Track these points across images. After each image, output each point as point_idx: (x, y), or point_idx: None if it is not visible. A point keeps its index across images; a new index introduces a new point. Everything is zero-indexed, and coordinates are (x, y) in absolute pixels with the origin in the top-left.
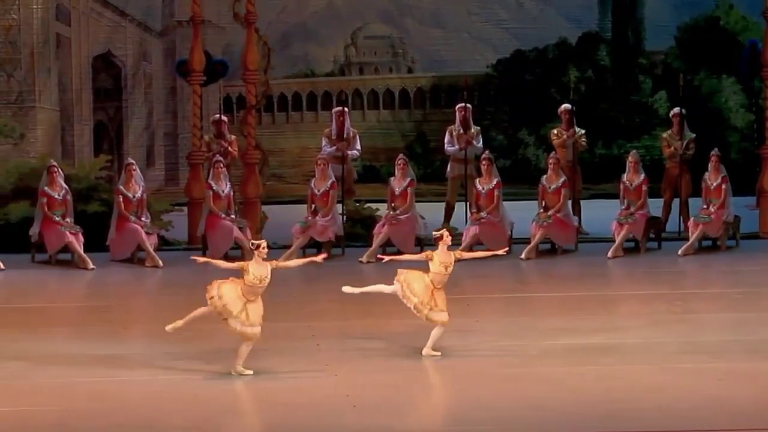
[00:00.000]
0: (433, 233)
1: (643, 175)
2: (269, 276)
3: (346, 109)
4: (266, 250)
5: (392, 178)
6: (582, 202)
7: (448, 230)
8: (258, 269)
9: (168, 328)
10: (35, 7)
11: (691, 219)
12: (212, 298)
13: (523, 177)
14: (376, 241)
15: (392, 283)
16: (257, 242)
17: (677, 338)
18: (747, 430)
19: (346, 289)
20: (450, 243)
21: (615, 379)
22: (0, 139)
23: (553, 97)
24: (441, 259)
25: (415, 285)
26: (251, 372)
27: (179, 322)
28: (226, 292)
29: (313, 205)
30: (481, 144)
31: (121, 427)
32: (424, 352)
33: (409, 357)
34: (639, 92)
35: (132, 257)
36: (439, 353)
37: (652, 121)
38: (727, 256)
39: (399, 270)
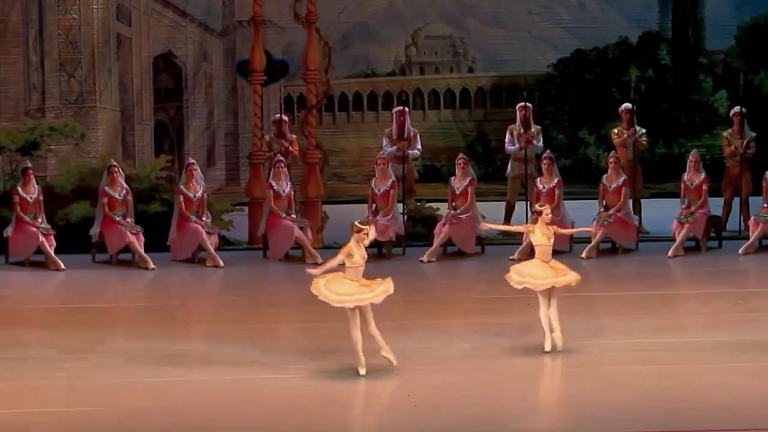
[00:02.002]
0: (537, 206)
1: (703, 174)
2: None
3: (406, 108)
4: (368, 234)
5: (453, 178)
6: (642, 201)
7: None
8: (361, 251)
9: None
10: (96, 7)
11: (752, 218)
12: (325, 296)
13: (584, 176)
14: (437, 241)
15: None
16: (361, 226)
17: (738, 337)
18: None
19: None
20: (549, 219)
21: (676, 378)
22: (61, 139)
23: (614, 96)
24: (542, 230)
25: (532, 271)
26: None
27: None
28: (335, 288)
29: (374, 205)
30: (541, 143)
31: (181, 427)
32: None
33: (468, 357)
34: (699, 91)
35: (193, 257)
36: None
37: (713, 120)
38: None
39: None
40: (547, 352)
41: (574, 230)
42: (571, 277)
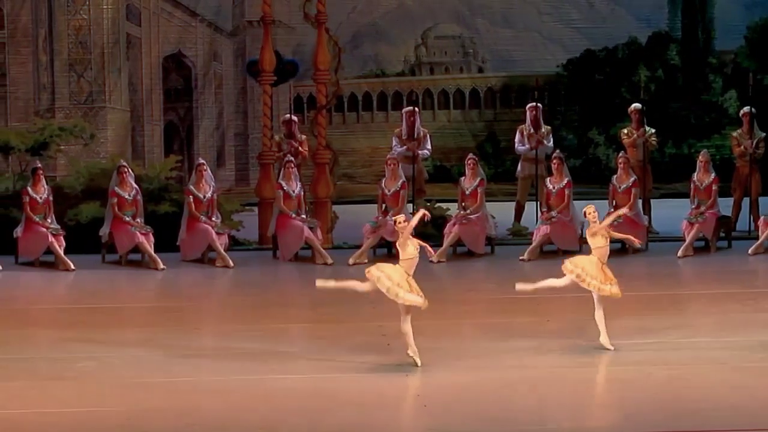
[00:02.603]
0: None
1: (713, 175)
2: (415, 251)
3: (416, 108)
4: (403, 224)
5: (463, 178)
6: (652, 201)
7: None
8: (411, 243)
9: (318, 283)
10: (105, 7)
11: (762, 218)
12: (379, 279)
13: (594, 176)
14: (447, 241)
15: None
16: (395, 218)
17: (748, 337)
18: None
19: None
20: (596, 220)
21: (686, 378)
22: (70, 139)
23: (624, 96)
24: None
25: (587, 266)
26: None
27: (331, 282)
28: (392, 273)
29: (384, 205)
30: (551, 143)
31: (192, 427)
32: (601, 340)
33: (478, 357)
34: (709, 92)
35: (203, 257)
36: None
37: (722, 120)
38: None
39: (565, 261)
40: (612, 350)
41: (621, 236)
42: (616, 290)
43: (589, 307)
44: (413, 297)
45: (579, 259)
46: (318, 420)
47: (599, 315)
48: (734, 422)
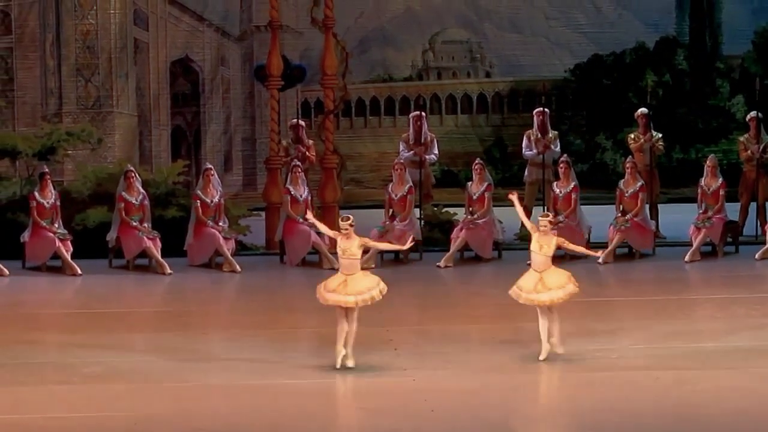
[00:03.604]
0: (539, 217)
1: (720, 179)
2: (355, 249)
3: (423, 113)
4: (349, 225)
5: (470, 183)
6: (660, 206)
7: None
8: (344, 242)
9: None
10: (113, 12)
11: None
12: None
13: (601, 181)
14: (454, 246)
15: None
16: (345, 215)
17: (756, 342)
18: None
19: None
20: (546, 230)
21: (694, 383)
22: (78, 144)
23: (631, 101)
24: (538, 239)
25: (521, 282)
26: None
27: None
28: (326, 281)
29: (391, 210)
30: (559, 148)
31: None
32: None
33: (485, 362)
34: (716, 96)
35: (210, 262)
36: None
37: (730, 125)
38: None
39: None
40: (541, 361)
41: (581, 249)
42: (558, 294)
43: (595, 311)
44: (336, 297)
45: (520, 280)
46: (326, 424)
47: (545, 322)
48: (741, 427)
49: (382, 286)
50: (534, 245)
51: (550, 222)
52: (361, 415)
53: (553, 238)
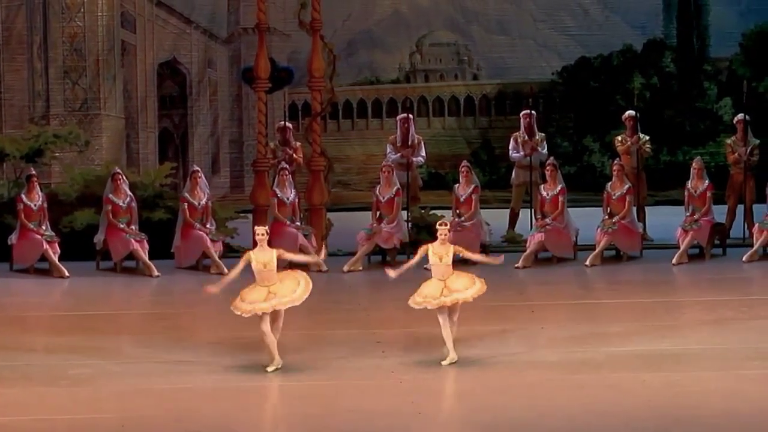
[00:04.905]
0: (438, 225)
1: (707, 182)
2: (274, 261)
3: (410, 116)
4: (263, 235)
5: (457, 185)
6: (647, 208)
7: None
8: (260, 255)
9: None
10: (100, 14)
11: (756, 225)
12: (238, 308)
13: (588, 184)
14: None
15: None
16: (262, 228)
17: (743, 344)
18: None
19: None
20: (445, 239)
21: (681, 386)
22: (65, 146)
23: (618, 103)
24: (435, 250)
25: (424, 289)
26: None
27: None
28: (245, 295)
29: (378, 212)
30: (546, 151)
31: None
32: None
33: (475, 364)
34: (704, 99)
35: (197, 264)
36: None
37: (717, 127)
38: None
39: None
40: (443, 365)
41: (481, 258)
42: (467, 293)
43: (582, 314)
44: (250, 306)
45: (421, 287)
46: (315, 426)
47: (448, 328)
48: (730, 429)
49: (304, 283)
50: (432, 258)
51: (448, 229)
52: (351, 417)
53: (450, 247)
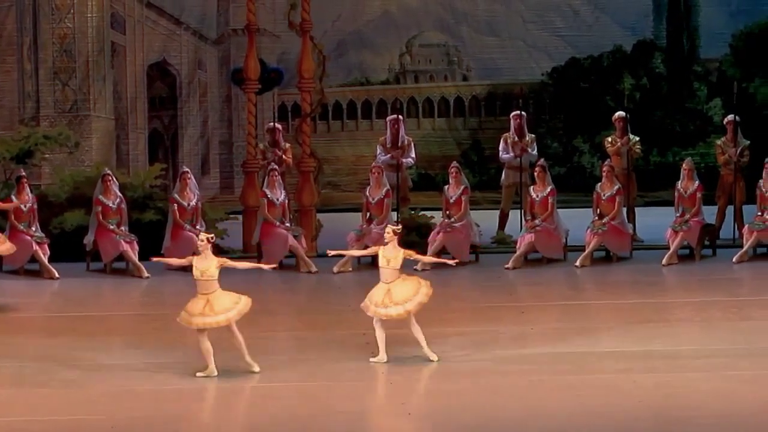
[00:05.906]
0: (390, 227)
1: (697, 183)
2: (213, 270)
3: (400, 117)
4: (204, 243)
5: (447, 186)
6: (637, 209)
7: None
8: (201, 263)
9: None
10: (90, 15)
11: (746, 226)
12: (183, 320)
13: (578, 185)
14: (431, 249)
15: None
16: (204, 235)
17: (733, 345)
18: None
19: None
20: (392, 242)
21: (672, 386)
22: (55, 147)
23: (608, 104)
24: (385, 253)
25: (372, 294)
26: (215, 374)
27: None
28: (188, 307)
29: (368, 213)
30: (536, 152)
31: None
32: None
33: (464, 364)
34: (694, 100)
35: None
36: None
37: (707, 128)
38: None
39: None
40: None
41: (433, 259)
42: (399, 309)
43: (574, 313)
44: (206, 320)
45: (371, 293)
46: (305, 427)
47: (379, 334)
48: (720, 429)
49: (245, 299)
50: (381, 261)
51: (395, 232)
52: (341, 418)
53: (401, 251)
